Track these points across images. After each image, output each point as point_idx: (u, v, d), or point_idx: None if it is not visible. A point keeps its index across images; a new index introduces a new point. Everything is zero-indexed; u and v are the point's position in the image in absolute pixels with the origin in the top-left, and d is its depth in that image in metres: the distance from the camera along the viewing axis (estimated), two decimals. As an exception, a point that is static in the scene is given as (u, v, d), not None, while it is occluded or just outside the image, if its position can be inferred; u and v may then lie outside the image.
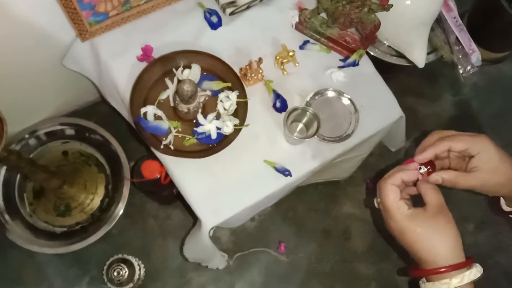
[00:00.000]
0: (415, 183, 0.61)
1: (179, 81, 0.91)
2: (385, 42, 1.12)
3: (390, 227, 0.59)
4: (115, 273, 1.13)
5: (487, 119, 1.51)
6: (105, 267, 1.16)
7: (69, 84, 1.16)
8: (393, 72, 1.29)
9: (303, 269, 1.28)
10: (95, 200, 1.26)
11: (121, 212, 1.23)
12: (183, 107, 0.85)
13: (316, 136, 0.89)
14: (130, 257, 1.17)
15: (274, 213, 1.32)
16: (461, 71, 1.14)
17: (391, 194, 0.57)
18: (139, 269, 1.18)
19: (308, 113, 0.88)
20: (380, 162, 1.36)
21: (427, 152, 0.61)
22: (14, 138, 1.17)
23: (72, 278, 1.22)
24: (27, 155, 1.18)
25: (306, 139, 0.87)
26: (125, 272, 1.14)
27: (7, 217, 1.21)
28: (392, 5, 0.85)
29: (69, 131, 1.26)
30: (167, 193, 1.06)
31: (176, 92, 0.81)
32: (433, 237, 0.56)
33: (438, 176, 0.61)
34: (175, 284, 1.23)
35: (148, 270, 1.23)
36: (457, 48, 1.13)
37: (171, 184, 0.93)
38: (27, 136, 1.19)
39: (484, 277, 0.56)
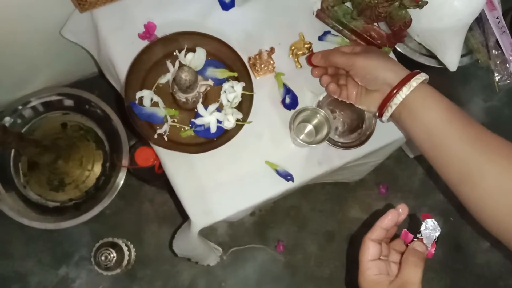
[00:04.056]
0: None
1: (180, 65, 0.82)
2: (415, 38, 1.01)
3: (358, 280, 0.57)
4: (103, 258, 1.09)
5: (519, 129, 1.39)
6: (94, 250, 1.11)
7: (68, 54, 1.08)
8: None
9: (300, 271, 1.22)
10: (90, 177, 1.21)
11: (116, 192, 1.17)
12: (181, 96, 0.77)
13: (325, 141, 0.80)
14: (120, 242, 1.13)
15: (276, 209, 1.25)
16: (496, 79, 1.03)
17: (367, 251, 0.54)
18: (129, 254, 1.14)
19: (318, 115, 0.79)
20: (396, 167, 1.27)
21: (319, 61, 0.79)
22: (6, 109, 1.12)
23: (60, 256, 1.18)
24: (17, 129, 1.12)
25: (313, 145, 0.79)
26: (113, 257, 1.09)
27: (0, 186, 1.17)
28: (427, 2, 0.74)
29: (68, 102, 1.20)
30: (162, 182, 0.99)
31: (174, 79, 0.73)
32: None
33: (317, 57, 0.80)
34: (165, 273, 1.19)
35: (139, 255, 1.18)
36: (496, 52, 1.01)
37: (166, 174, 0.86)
38: (20, 107, 1.13)
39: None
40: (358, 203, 1.28)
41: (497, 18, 1.01)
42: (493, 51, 1.01)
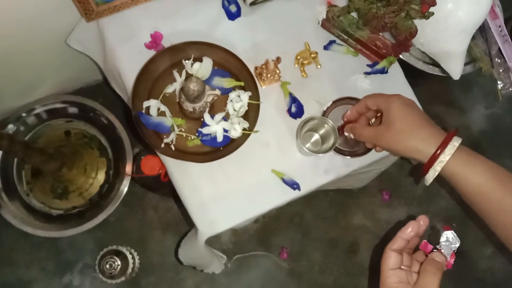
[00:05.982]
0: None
1: (187, 75, 0.83)
2: (419, 47, 1.02)
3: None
4: (107, 266, 1.09)
5: (520, 136, 1.41)
6: (98, 258, 1.11)
7: (73, 62, 1.09)
8: (423, 78, 1.19)
9: (304, 278, 1.22)
10: (94, 185, 1.20)
11: (120, 199, 1.17)
12: (188, 106, 0.77)
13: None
14: (124, 250, 1.13)
15: (280, 216, 1.25)
16: (499, 87, 1.03)
17: (387, 260, 0.56)
18: (133, 262, 1.14)
19: (326, 125, 0.79)
20: (399, 173, 1.28)
21: (351, 111, 0.75)
22: (11, 116, 1.12)
23: (64, 263, 1.18)
24: (21, 138, 1.12)
25: (320, 154, 0.79)
26: (118, 265, 1.09)
27: (3, 194, 1.16)
28: (433, 13, 0.75)
29: (72, 110, 1.20)
30: (167, 191, 0.99)
31: (182, 89, 0.73)
32: None
33: (347, 130, 0.75)
34: (169, 281, 1.19)
35: (143, 263, 1.18)
36: (499, 61, 1.02)
37: (172, 183, 0.86)
38: (24, 114, 1.13)
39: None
40: (361, 210, 1.28)
41: (499, 26, 1.01)
42: (496, 59, 1.02)
